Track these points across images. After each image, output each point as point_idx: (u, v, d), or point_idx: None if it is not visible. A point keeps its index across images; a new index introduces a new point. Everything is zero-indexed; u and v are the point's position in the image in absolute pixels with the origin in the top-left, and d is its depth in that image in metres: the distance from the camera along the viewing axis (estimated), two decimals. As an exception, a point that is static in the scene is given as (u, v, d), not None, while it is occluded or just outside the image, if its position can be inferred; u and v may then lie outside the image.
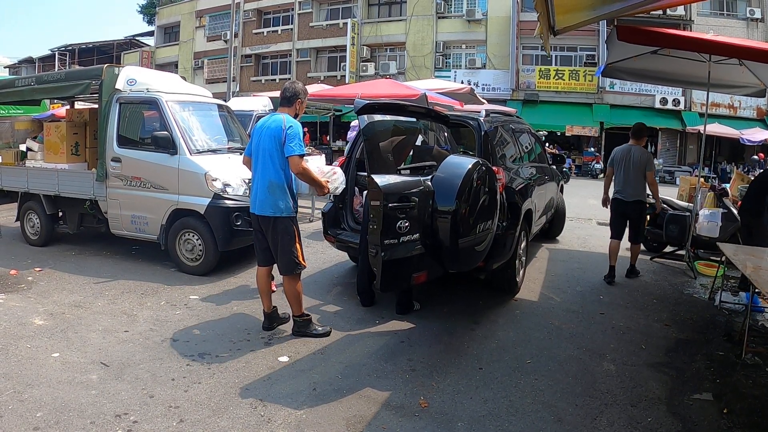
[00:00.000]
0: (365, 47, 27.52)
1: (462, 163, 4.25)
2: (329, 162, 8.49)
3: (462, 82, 21.11)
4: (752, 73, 6.30)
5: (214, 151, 6.16)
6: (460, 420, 3.14)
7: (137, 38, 41.28)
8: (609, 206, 6.47)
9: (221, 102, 7.43)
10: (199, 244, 5.78)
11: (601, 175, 23.16)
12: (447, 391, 3.49)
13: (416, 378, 3.65)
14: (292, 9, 29.97)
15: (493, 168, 4.65)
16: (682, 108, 23.67)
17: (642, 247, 7.97)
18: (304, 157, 3.99)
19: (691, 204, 7.34)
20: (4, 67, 33.58)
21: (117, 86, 6.12)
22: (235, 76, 28.85)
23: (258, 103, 11.71)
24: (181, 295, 5.19)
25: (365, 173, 4.28)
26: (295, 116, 4.14)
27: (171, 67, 32.84)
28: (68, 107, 8.29)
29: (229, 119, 7.04)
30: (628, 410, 3.32)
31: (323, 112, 15.83)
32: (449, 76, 24.67)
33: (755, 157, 19.26)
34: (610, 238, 6.34)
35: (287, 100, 4.16)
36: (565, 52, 24.91)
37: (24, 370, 3.55)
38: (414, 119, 4.99)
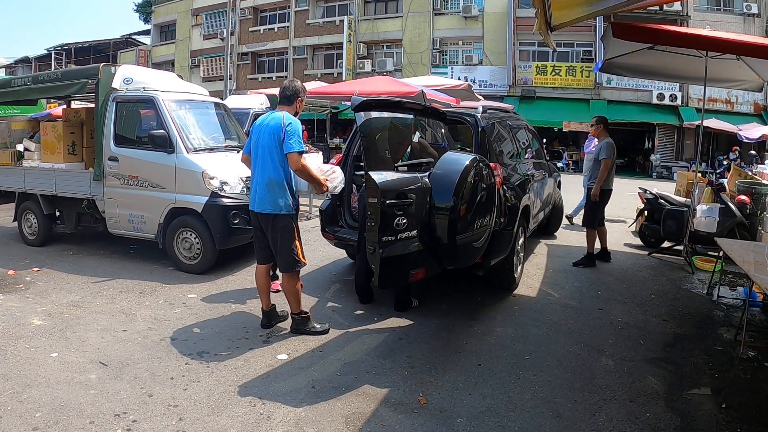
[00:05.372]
0: (362, 44, 27.47)
1: (459, 159, 4.24)
2: (326, 159, 8.48)
3: (459, 79, 21.08)
4: (750, 68, 6.30)
5: (211, 150, 6.15)
6: (459, 416, 3.15)
7: (133, 37, 41.15)
8: (603, 198, 6.61)
9: (218, 100, 7.42)
10: (197, 243, 5.77)
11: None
12: (446, 387, 3.49)
13: (415, 375, 3.65)
14: (289, 7, 29.93)
15: (491, 164, 4.65)
16: (679, 103, 23.70)
17: (640, 242, 8.06)
18: (303, 155, 3.99)
19: (688, 199, 7.36)
20: (1, 67, 33.47)
21: (113, 85, 6.10)
22: (232, 74, 28.73)
23: (255, 101, 11.66)
24: (180, 294, 5.19)
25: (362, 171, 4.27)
26: (295, 114, 4.15)
27: (168, 65, 32.76)
28: (65, 107, 8.26)
29: (226, 117, 7.03)
30: (627, 405, 3.33)
31: (320, 110, 15.79)
32: (446, 73, 24.67)
33: (752, 152, 19.28)
34: (602, 225, 6.80)
35: (287, 99, 4.16)
36: (562, 48, 24.85)
37: (23, 371, 3.55)
38: (411, 116, 4.99)
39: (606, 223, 9.28)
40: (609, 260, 6.82)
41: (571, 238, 8.32)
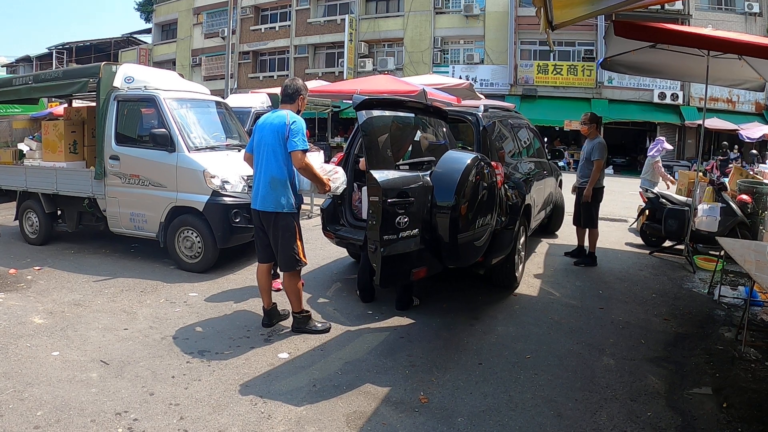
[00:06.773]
0: (363, 43, 27.46)
1: (461, 158, 4.25)
2: (327, 158, 8.47)
3: (460, 78, 21.08)
4: (751, 68, 6.29)
5: (212, 149, 6.15)
6: (460, 415, 3.15)
7: (135, 36, 41.17)
8: (597, 197, 6.58)
9: (219, 99, 7.41)
10: (198, 242, 5.77)
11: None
12: (447, 386, 3.49)
13: (416, 374, 3.65)
14: (290, 5, 29.94)
15: (492, 163, 4.65)
16: (681, 102, 23.67)
17: (641, 241, 8.06)
18: (306, 153, 3.99)
19: (689, 198, 7.35)
20: (2, 66, 33.46)
21: (115, 84, 6.11)
22: (233, 73, 28.72)
23: (256, 99, 11.69)
24: (181, 293, 5.19)
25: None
26: (297, 112, 4.15)
27: (169, 64, 32.78)
28: (66, 105, 8.27)
29: (227, 116, 7.02)
30: (628, 405, 3.33)
31: (321, 109, 15.81)
32: (447, 72, 24.65)
33: (753, 151, 19.26)
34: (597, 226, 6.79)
35: (289, 97, 4.17)
36: (564, 47, 24.84)
37: (24, 369, 3.55)
38: (413, 115, 4.99)
39: (607, 221, 9.31)
40: (594, 263, 6.67)
41: (572, 237, 8.29)
